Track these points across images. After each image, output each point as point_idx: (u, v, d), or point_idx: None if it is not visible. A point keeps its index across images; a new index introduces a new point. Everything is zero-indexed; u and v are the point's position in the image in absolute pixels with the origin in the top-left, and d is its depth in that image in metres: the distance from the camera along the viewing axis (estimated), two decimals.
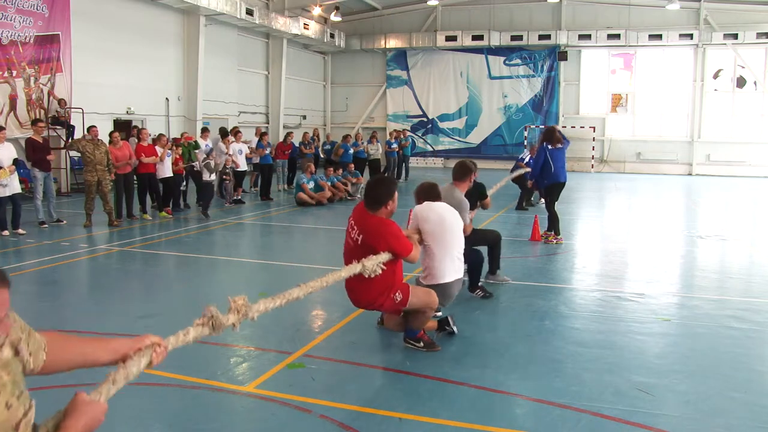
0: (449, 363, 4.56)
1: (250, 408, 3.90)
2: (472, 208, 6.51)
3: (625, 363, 4.60)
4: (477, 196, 6.87)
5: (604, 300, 6.42)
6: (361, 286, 4.41)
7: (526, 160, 14.00)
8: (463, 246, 5.12)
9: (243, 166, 14.66)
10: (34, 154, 10.74)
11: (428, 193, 5.22)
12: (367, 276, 4.08)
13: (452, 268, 4.96)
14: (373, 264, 4.08)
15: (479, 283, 6.35)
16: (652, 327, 5.50)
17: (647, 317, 5.76)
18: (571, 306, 6.25)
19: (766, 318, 5.83)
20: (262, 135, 16.23)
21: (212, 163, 12.47)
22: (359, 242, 4.45)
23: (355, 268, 3.99)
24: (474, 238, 6.22)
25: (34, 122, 11.39)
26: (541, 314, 5.85)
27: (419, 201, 5.27)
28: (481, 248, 6.54)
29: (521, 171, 13.23)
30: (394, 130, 22.47)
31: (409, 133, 22.27)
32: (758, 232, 11.40)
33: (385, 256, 4.24)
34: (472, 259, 6.08)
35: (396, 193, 4.55)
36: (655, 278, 7.47)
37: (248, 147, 15.35)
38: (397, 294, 4.49)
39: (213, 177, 12.53)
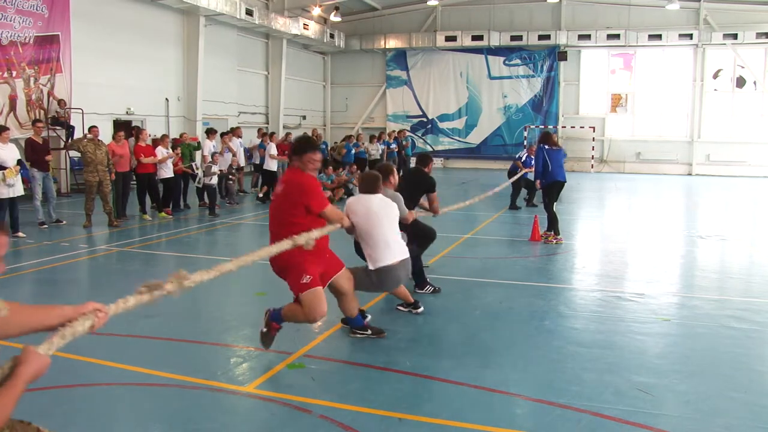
0: (449, 363, 4.56)
1: (250, 408, 3.90)
2: (416, 200, 6.89)
3: (625, 363, 4.60)
4: (425, 189, 7.10)
5: (604, 300, 6.42)
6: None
7: (523, 158, 14.03)
8: (396, 232, 5.28)
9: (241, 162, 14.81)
10: (33, 155, 10.72)
11: (366, 184, 5.39)
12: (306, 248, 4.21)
13: (388, 254, 5.08)
14: (305, 238, 4.19)
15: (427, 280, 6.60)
16: (652, 327, 5.50)
17: (647, 317, 5.76)
18: (571, 306, 6.25)
19: (766, 318, 5.84)
20: (266, 135, 16.14)
21: (213, 166, 12.46)
22: (279, 193, 4.66)
23: (285, 244, 4.06)
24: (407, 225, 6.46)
25: (34, 122, 11.38)
26: (541, 314, 5.85)
27: (361, 192, 5.45)
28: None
29: (521, 173, 13.27)
30: (392, 131, 22.50)
31: (408, 133, 22.30)
32: (758, 232, 11.40)
33: (315, 233, 4.32)
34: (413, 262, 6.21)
35: (305, 155, 4.59)
36: (655, 278, 7.47)
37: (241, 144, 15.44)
38: (306, 277, 4.46)
39: (213, 180, 12.51)
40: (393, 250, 5.12)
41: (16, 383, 1.76)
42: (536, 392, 4.05)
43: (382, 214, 5.16)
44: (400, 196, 6.05)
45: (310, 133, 19.79)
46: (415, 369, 4.41)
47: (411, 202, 6.66)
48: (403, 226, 6.35)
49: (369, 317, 5.31)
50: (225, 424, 3.62)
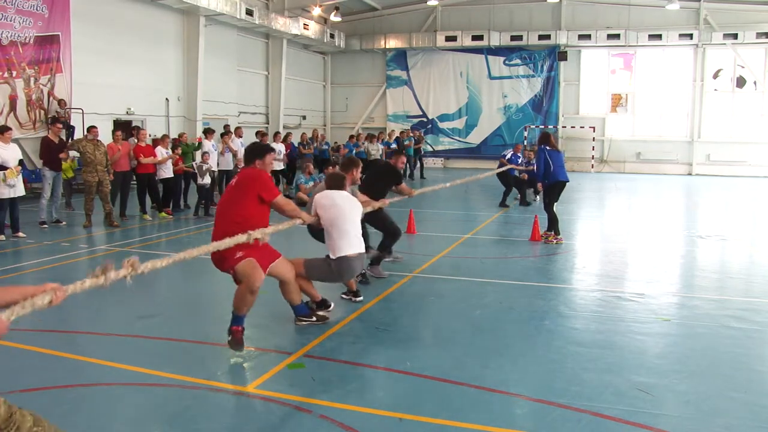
0: (449, 363, 4.56)
1: (250, 408, 3.90)
2: (385, 192, 7.54)
3: (625, 363, 4.60)
4: (393, 181, 7.73)
5: (604, 300, 6.42)
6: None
7: (508, 156, 14.10)
8: (357, 227, 5.71)
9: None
10: (48, 154, 10.82)
11: (332, 181, 5.92)
12: (252, 243, 4.55)
13: (348, 245, 5.51)
14: (260, 233, 4.56)
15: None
16: (652, 327, 5.50)
17: (647, 317, 5.76)
18: (571, 306, 6.25)
19: (766, 318, 5.83)
20: (265, 136, 16.12)
21: (205, 166, 12.41)
22: (233, 186, 5.04)
23: (241, 237, 4.39)
24: (374, 219, 7.20)
25: (53, 121, 11.50)
26: (541, 314, 5.85)
27: (326, 187, 5.94)
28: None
29: (504, 168, 13.36)
30: (392, 130, 22.50)
31: (410, 134, 22.32)
32: (758, 232, 11.40)
33: (270, 229, 4.74)
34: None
35: (267, 156, 5.09)
36: (655, 278, 7.47)
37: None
38: (239, 253, 4.73)
39: (207, 180, 12.43)
40: (353, 242, 5.56)
41: None
42: (536, 392, 4.05)
43: (346, 208, 5.63)
44: (354, 192, 6.59)
45: (310, 134, 19.87)
46: (415, 369, 4.41)
47: (380, 194, 7.36)
48: (374, 222, 7.34)
49: (332, 306, 5.70)
50: (225, 424, 3.62)
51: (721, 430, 3.57)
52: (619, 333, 5.32)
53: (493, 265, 8.14)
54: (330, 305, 5.73)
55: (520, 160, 14.17)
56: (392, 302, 6.22)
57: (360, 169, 6.74)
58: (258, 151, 5.13)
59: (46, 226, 10.62)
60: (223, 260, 4.81)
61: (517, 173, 14.26)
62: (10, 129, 9.91)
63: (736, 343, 5.09)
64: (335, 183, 5.88)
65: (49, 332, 5.30)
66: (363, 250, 5.71)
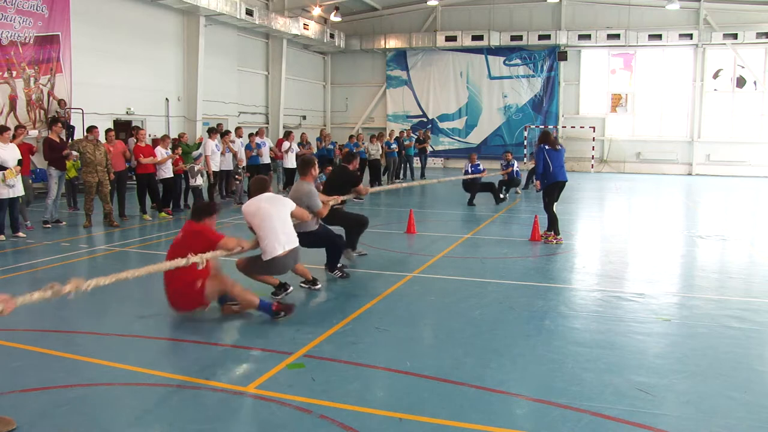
0: (449, 363, 4.56)
1: (250, 408, 3.90)
2: (345, 193, 7.89)
3: (625, 363, 4.59)
4: (349, 184, 8.01)
5: (604, 300, 6.42)
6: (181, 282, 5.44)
7: (467, 169, 14.62)
8: (287, 226, 6.04)
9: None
10: (52, 153, 10.85)
11: (254, 187, 6.30)
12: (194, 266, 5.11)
13: (277, 246, 5.86)
14: (200, 258, 5.02)
15: (338, 265, 7.16)
16: (652, 327, 5.50)
17: (647, 317, 5.76)
18: (571, 306, 6.25)
19: (766, 318, 5.84)
20: (253, 135, 16.05)
21: (196, 167, 12.35)
22: (177, 243, 5.52)
23: (180, 261, 4.83)
24: (334, 220, 7.54)
25: (54, 121, 11.51)
26: (541, 314, 5.85)
27: (251, 196, 6.29)
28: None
29: (468, 177, 14.31)
30: (392, 130, 22.51)
31: (410, 134, 22.33)
32: (758, 232, 11.40)
33: (209, 254, 5.20)
34: (330, 243, 7.08)
35: (215, 215, 5.79)
36: (655, 278, 7.47)
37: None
38: (198, 282, 5.41)
39: (199, 182, 12.37)
40: (282, 242, 5.89)
41: None
42: (536, 392, 4.05)
43: (271, 211, 5.93)
44: (314, 192, 6.83)
45: (319, 133, 19.89)
46: (415, 369, 4.41)
47: (339, 195, 7.74)
48: (337, 221, 7.64)
49: (290, 288, 6.20)
50: (225, 424, 3.62)
51: (721, 430, 3.57)
52: (619, 333, 5.32)
53: (493, 265, 8.14)
54: (318, 284, 6.46)
55: (481, 167, 14.90)
56: (392, 302, 6.22)
57: (316, 168, 7.14)
58: (207, 210, 5.75)
59: (49, 225, 10.62)
60: (193, 301, 5.50)
61: (503, 177, 15.65)
62: (8, 129, 9.91)
63: (736, 343, 5.09)
64: (258, 187, 6.23)
65: (49, 332, 5.30)
66: (294, 245, 6.04)
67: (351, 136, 19.73)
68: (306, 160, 7.20)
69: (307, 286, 6.53)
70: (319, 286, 6.54)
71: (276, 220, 5.91)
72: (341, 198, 7.69)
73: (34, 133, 14.75)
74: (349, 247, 7.74)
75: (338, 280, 7.02)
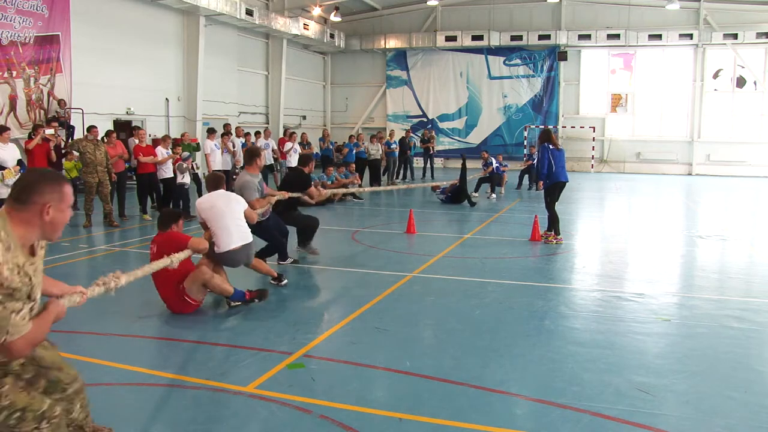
0: (449, 363, 4.56)
1: (250, 408, 3.90)
2: (300, 191, 7.94)
3: (625, 363, 4.59)
4: (300, 186, 8.05)
5: (604, 300, 6.42)
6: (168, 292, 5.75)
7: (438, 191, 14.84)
8: (238, 221, 6.19)
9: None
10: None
11: (210, 183, 6.50)
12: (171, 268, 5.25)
13: (229, 241, 6.05)
14: (177, 259, 5.12)
15: (287, 258, 7.64)
16: (652, 327, 5.50)
17: (647, 317, 5.76)
18: (571, 306, 6.25)
19: (766, 318, 5.83)
20: (248, 135, 16.03)
21: (184, 165, 12.30)
22: (155, 254, 5.65)
23: (165, 261, 4.90)
24: (288, 219, 7.81)
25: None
26: (541, 314, 5.85)
27: (208, 191, 6.47)
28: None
29: (435, 184, 14.78)
30: (392, 130, 22.51)
31: (412, 134, 22.34)
32: (758, 232, 11.40)
33: (180, 255, 5.25)
34: (270, 238, 7.36)
35: (181, 220, 6.00)
36: (655, 278, 7.47)
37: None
38: (182, 286, 5.71)
39: (186, 179, 12.32)
40: (234, 237, 6.06)
41: (48, 312, 2.67)
42: (536, 392, 4.05)
43: (225, 208, 6.11)
44: (251, 183, 6.96)
45: (321, 133, 19.92)
46: (415, 369, 4.41)
47: (294, 198, 7.93)
48: (289, 220, 7.87)
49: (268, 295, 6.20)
50: (225, 424, 3.62)
51: (720, 430, 3.57)
52: (619, 333, 5.32)
53: (493, 265, 8.13)
54: (284, 280, 6.66)
55: (493, 162, 16.03)
56: (392, 302, 6.22)
57: (262, 159, 7.38)
58: (172, 216, 5.97)
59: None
60: (186, 304, 5.73)
61: (485, 175, 16.21)
62: (8, 129, 9.92)
63: (735, 343, 5.09)
64: (212, 184, 6.42)
65: (49, 332, 5.30)
66: (248, 240, 6.22)
67: (351, 136, 19.77)
68: (251, 150, 7.40)
69: (274, 283, 6.65)
70: (286, 281, 6.70)
71: (228, 217, 6.10)
72: (288, 195, 7.76)
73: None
74: (300, 246, 8.17)
75: (338, 280, 7.03)
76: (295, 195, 7.91)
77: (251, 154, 7.25)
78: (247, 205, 6.39)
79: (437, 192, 14.69)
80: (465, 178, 14.20)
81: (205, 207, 6.19)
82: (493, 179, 16.23)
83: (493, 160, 16.37)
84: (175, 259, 5.01)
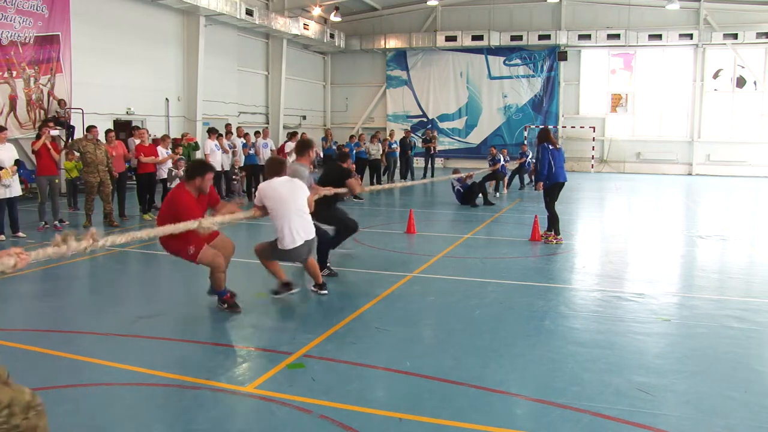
0: (449, 363, 4.56)
1: (250, 408, 3.90)
2: (340, 186, 7.50)
3: (625, 363, 4.59)
4: (341, 180, 7.65)
5: (604, 300, 6.42)
6: (169, 237, 5.38)
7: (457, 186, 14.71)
8: (303, 213, 5.96)
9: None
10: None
11: (271, 169, 6.15)
12: (201, 233, 5.12)
13: (290, 238, 5.86)
14: (209, 223, 5.06)
15: (327, 264, 7.14)
16: (652, 327, 5.49)
17: (647, 317, 5.76)
18: (571, 306, 6.25)
19: (766, 318, 5.83)
20: (247, 135, 16.00)
21: (174, 171, 12.27)
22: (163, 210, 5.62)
23: (192, 224, 4.87)
24: (327, 217, 7.30)
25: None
26: (541, 314, 5.85)
27: (267, 177, 6.14)
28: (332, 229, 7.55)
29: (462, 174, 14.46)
30: (392, 130, 22.53)
31: (412, 134, 22.35)
32: (758, 232, 11.40)
33: (218, 218, 5.29)
34: (342, 223, 7.20)
35: (209, 173, 5.66)
36: (655, 278, 7.46)
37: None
38: (190, 248, 5.54)
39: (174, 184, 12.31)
40: (299, 233, 5.87)
41: None
42: (536, 392, 4.05)
43: (290, 198, 5.87)
44: (304, 171, 6.70)
45: (324, 134, 19.94)
46: (415, 369, 4.41)
47: (333, 195, 7.51)
48: (333, 220, 7.49)
49: (296, 289, 6.16)
50: (225, 425, 3.62)
51: (720, 430, 3.57)
52: (619, 333, 5.32)
53: (493, 265, 8.13)
54: (293, 289, 6.19)
55: (500, 158, 16.19)
56: (392, 302, 6.22)
57: (314, 151, 7.12)
58: (199, 168, 5.72)
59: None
60: (176, 251, 5.63)
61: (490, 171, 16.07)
62: (5, 129, 9.92)
63: (735, 343, 5.09)
64: (273, 169, 6.08)
65: (49, 332, 5.31)
66: (312, 235, 6.02)
67: (351, 136, 19.83)
68: (304, 141, 7.17)
69: (315, 289, 6.38)
70: (326, 291, 6.36)
71: (293, 210, 5.86)
72: (334, 190, 7.49)
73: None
74: (332, 248, 7.64)
75: (338, 280, 7.02)
76: (340, 191, 7.62)
77: (304, 145, 7.06)
78: (309, 192, 6.19)
79: (455, 179, 14.49)
80: (484, 183, 14.53)
81: (271, 196, 5.88)
82: (498, 177, 16.23)
83: (501, 157, 16.35)
84: (205, 223, 4.92)
